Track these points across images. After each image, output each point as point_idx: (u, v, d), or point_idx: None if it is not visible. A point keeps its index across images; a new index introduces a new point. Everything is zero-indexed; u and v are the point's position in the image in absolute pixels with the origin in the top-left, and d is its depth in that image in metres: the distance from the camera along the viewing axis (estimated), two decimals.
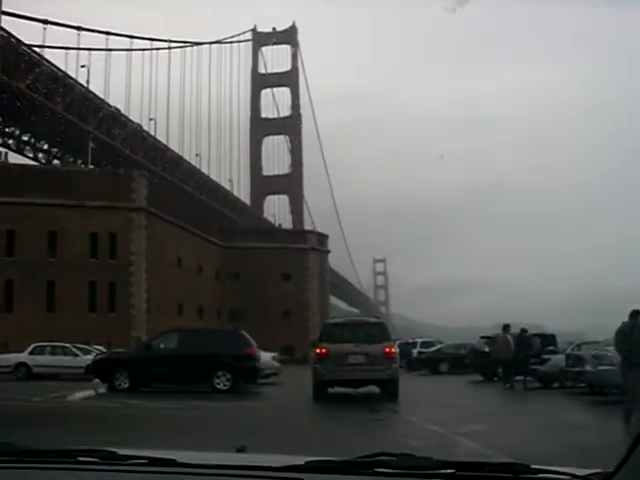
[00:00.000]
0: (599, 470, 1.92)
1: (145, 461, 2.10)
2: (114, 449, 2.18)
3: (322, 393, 18.63)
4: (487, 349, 28.56)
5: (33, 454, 2.21)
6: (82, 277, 49.03)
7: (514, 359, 24.00)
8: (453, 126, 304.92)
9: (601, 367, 17.89)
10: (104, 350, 30.99)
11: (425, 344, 44.24)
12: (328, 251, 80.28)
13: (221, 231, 69.04)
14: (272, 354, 28.36)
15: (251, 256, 67.57)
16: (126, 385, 21.76)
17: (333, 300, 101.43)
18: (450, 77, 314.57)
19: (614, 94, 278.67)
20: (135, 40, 76.41)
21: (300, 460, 2.07)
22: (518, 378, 23.75)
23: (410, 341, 45.72)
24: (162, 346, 22.81)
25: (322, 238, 79.01)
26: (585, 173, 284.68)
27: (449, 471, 1.98)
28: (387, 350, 18.58)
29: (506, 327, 25.77)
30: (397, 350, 20.20)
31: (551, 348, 25.69)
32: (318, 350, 18.87)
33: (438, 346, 41.49)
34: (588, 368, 19.00)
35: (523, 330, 25.28)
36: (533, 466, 1.96)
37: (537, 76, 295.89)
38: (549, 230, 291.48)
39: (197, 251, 61.07)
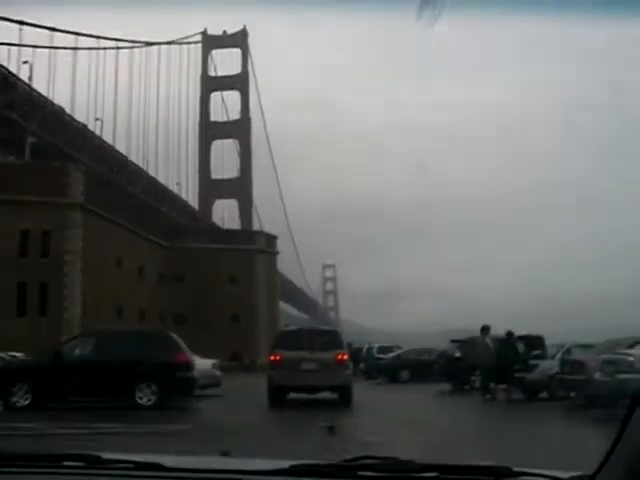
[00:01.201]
0: (580, 473, 1.91)
1: (131, 465, 2.09)
2: (99, 453, 2.14)
3: (277, 400, 18.62)
4: (459, 354, 25.39)
5: (19, 458, 2.17)
6: (10, 277, 45.27)
7: (496, 365, 20.62)
8: (404, 133, 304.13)
9: (620, 375, 14.45)
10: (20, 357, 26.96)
11: (382, 349, 40.08)
12: (277, 252, 77.11)
13: (165, 231, 65.55)
14: (212, 361, 24.56)
15: (196, 257, 64.23)
16: (26, 402, 17.49)
17: (282, 306, 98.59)
18: (405, 86, 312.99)
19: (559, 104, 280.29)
20: (82, 38, 72.37)
21: (285, 464, 2.05)
22: (500, 387, 20.54)
23: (368, 346, 41.99)
24: (76, 352, 18.67)
25: (270, 239, 75.94)
26: (531, 179, 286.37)
27: (432, 474, 1.97)
28: (339, 357, 19.16)
29: (484, 329, 22.31)
30: (348, 357, 20.43)
31: (538, 352, 22.07)
32: (272, 357, 19.38)
33: (397, 352, 37.62)
34: (597, 376, 15.52)
35: (509, 333, 21.61)
36: (515, 469, 1.95)
37: (481, 86, 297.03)
38: (498, 237, 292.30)
39: (138, 251, 57.69)
